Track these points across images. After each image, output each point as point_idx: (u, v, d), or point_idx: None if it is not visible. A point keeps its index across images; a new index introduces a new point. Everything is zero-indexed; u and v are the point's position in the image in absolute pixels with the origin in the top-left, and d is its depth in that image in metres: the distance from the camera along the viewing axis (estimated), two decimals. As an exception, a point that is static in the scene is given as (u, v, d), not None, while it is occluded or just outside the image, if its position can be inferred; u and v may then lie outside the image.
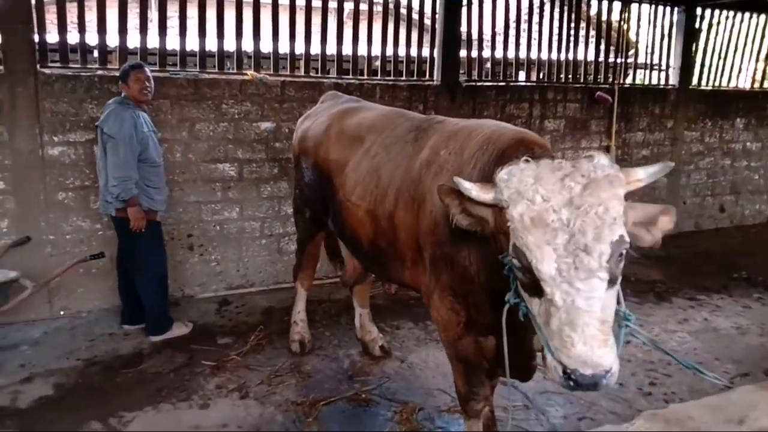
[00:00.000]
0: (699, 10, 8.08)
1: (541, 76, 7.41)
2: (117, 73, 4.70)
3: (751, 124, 8.89)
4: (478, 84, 6.80)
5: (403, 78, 6.51)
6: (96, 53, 5.32)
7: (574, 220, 1.82)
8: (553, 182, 1.90)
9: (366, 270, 4.29)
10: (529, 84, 7.20)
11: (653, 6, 7.87)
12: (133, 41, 5.45)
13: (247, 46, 5.79)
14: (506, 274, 2.14)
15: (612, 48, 7.71)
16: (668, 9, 7.97)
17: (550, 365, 1.91)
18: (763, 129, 9.01)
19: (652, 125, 8.03)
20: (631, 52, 8.14)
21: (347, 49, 6.19)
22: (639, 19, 8.04)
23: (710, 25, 8.34)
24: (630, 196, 2.00)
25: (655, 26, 7.98)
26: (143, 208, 4.40)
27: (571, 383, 1.81)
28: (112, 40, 5.37)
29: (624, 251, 1.87)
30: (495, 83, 6.95)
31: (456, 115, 6.55)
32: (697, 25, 8.15)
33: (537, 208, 1.88)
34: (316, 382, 4.07)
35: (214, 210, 5.66)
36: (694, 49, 8.22)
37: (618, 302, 2.06)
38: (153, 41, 5.49)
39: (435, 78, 6.58)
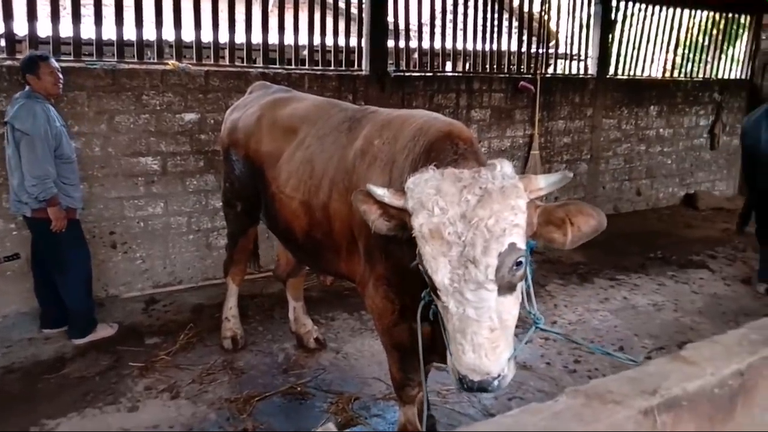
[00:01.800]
0: (614, 2, 8.45)
1: (467, 67, 7.54)
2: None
3: (664, 111, 9.39)
4: (407, 74, 6.85)
5: (332, 68, 6.47)
6: (3, 42, 4.98)
7: (466, 233, 1.89)
8: (452, 194, 1.95)
9: (300, 263, 4.26)
10: (456, 74, 7.32)
11: (572, -2, 8.18)
12: (45, 29, 5.14)
13: (168, 34, 5.58)
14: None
15: (534, 38, 7.94)
16: (586, 1, 8.29)
17: (449, 366, 2.05)
18: (675, 116, 9.55)
19: (572, 113, 8.35)
20: (552, 42, 8.41)
21: (273, 38, 6.07)
22: (558, 11, 8.32)
23: (625, 17, 8.73)
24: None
25: (573, 17, 8.29)
26: (62, 207, 4.18)
27: (464, 386, 1.97)
28: (21, 28, 5.04)
29: (522, 258, 1.95)
30: (423, 74, 7.01)
31: (385, 105, 6.56)
32: (613, 17, 8.52)
33: (435, 220, 1.94)
34: (249, 378, 4.02)
35: (137, 206, 5.45)
36: (610, 39, 8.59)
37: (530, 302, 2.18)
38: (66, 29, 5.20)
39: (364, 68, 6.57)
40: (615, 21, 8.58)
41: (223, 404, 3.69)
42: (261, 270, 5.13)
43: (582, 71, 8.60)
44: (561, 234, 2.08)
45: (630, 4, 8.68)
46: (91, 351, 4.33)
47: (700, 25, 10.05)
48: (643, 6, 8.86)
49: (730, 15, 10.07)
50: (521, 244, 1.96)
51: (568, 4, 8.23)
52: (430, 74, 7.05)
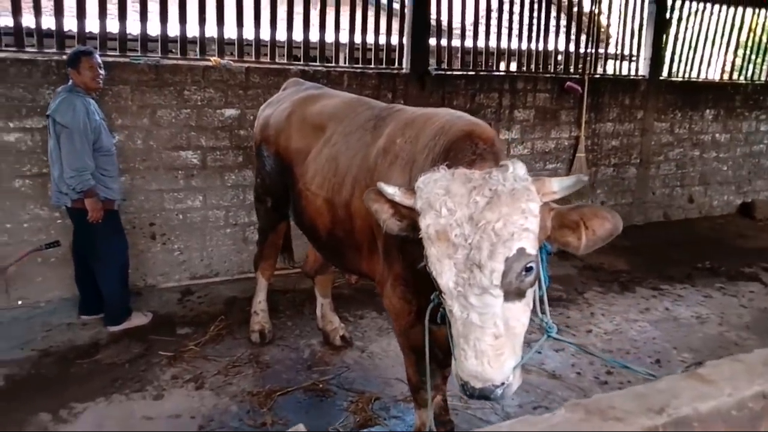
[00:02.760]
0: (670, 1, 8.12)
1: (511, 66, 7.38)
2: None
3: (720, 115, 8.97)
4: (448, 73, 6.77)
5: (372, 66, 6.45)
6: (54, 38, 5.18)
7: (473, 236, 1.83)
8: (461, 195, 1.89)
9: (326, 260, 4.26)
10: (499, 74, 7.18)
11: (624, -4, 7.90)
12: (91, 26, 5.31)
13: (211, 31, 5.68)
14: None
15: (583, 38, 7.71)
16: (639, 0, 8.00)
17: (453, 371, 2.00)
18: (732, 120, 9.11)
19: (621, 116, 8.07)
20: (602, 42, 8.16)
21: (314, 36, 6.10)
22: (610, 9, 8.06)
23: (680, 17, 8.38)
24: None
25: (626, 16, 8.00)
26: (100, 198, 4.31)
27: (466, 393, 1.93)
28: (70, 24, 5.23)
29: (532, 263, 1.88)
30: (465, 72, 6.91)
31: (425, 104, 6.54)
32: (668, 16, 8.18)
33: (442, 221, 1.88)
34: (274, 373, 4.04)
35: (177, 198, 5.57)
36: (664, 40, 8.26)
37: (542, 311, 2.10)
38: (112, 26, 5.36)
39: (404, 66, 6.53)
40: (670, 21, 8.24)
41: (245, 397, 3.72)
42: (294, 265, 5.16)
43: (633, 72, 8.28)
44: (575, 238, 2.00)
45: (687, 3, 8.32)
46: (123, 338, 4.45)
47: (763, 26, 9.57)
48: (701, 5, 8.47)
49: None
50: (531, 249, 1.89)
51: (621, 2, 7.94)
52: (472, 73, 6.94)
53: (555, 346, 4.50)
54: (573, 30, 7.64)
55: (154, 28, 5.51)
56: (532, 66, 7.41)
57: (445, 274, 1.89)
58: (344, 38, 6.27)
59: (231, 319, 4.80)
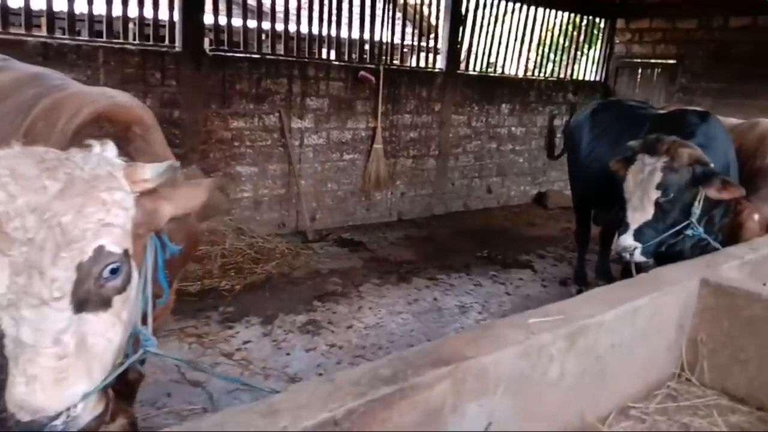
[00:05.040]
0: (465, -4, 8.32)
1: (301, 51, 7.09)
2: None
3: (516, 109, 9.42)
4: (228, 54, 6.32)
5: (135, 41, 5.82)
6: None
7: (37, 232, 1.45)
8: (29, 178, 1.49)
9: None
10: (288, 59, 6.85)
11: (421, -12, 7.95)
12: None
13: None
14: None
15: (378, 28, 7.62)
16: (436, -8, 8.10)
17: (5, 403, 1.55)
18: (527, 114, 9.61)
19: (419, 108, 8.13)
20: (398, 33, 8.15)
21: (61, 4, 5.34)
22: (405, 2, 8.07)
23: (476, 11, 8.60)
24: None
25: (422, 9, 8.06)
26: None
27: (15, 427, 1.48)
28: None
29: (118, 265, 1.56)
30: (248, 55, 6.51)
31: (203, 87, 6.07)
32: (463, 10, 8.37)
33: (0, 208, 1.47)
34: None
35: None
36: (461, 33, 8.45)
37: (144, 323, 1.78)
38: None
39: (176, 44, 5.98)
40: (466, 14, 8.44)
41: None
42: None
43: (431, 65, 8.39)
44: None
45: (481, -2, 8.59)
46: None
47: (561, 26, 10.21)
48: (496, 1, 8.78)
49: (589, 18, 10.30)
50: (115, 247, 1.54)
51: (417, -6, 8.00)
52: (257, 56, 6.56)
53: (307, 346, 4.30)
54: (368, 19, 7.52)
55: None
56: (324, 52, 7.18)
57: None
58: (101, 9, 5.56)
59: None
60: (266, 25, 6.63)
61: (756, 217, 4.11)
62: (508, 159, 9.52)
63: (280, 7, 6.78)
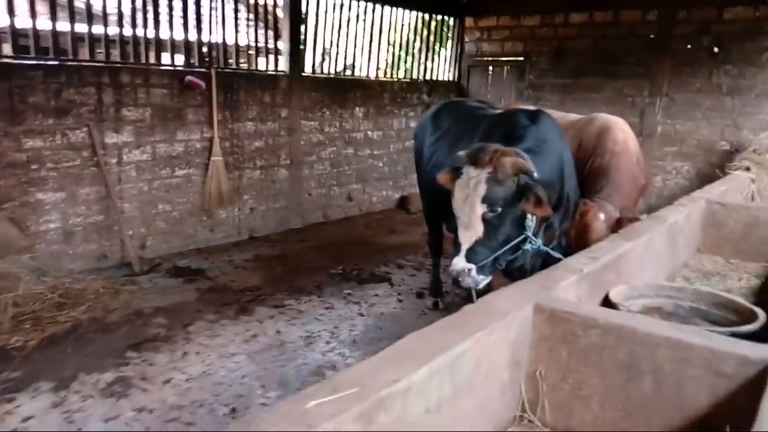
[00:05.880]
0: (304, -7, 7.77)
1: (111, 56, 6.16)
2: None
3: (371, 113, 9.02)
4: (16, 62, 5.29)
5: None
6: None
7: None
8: None
9: None
10: (94, 64, 5.88)
11: (254, -16, 7.29)
12: None
13: None
14: None
15: (206, 27, 6.84)
16: (272, -11, 7.47)
17: None
18: (383, 118, 9.24)
19: (263, 114, 7.45)
20: (240, 33, 7.46)
21: None
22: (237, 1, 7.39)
23: (318, 9, 8.08)
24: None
25: (257, 7, 7.40)
26: None
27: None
28: None
29: None
30: (42, 62, 5.50)
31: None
32: (303, 9, 7.81)
33: None
34: None
35: None
36: (303, 33, 7.88)
37: None
38: None
39: (-60, 51, 4.89)
40: (306, 14, 7.88)
41: None
42: None
43: (273, 68, 7.74)
44: None
45: (321, -4, 8.07)
46: None
47: (411, 26, 9.96)
48: (338, 1, 8.31)
49: (438, 17, 10.14)
50: None
51: (251, -10, 7.32)
52: (55, 63, 5.56)
53: (107, 415, 3.51)
54: (196, 18, 6.73)
55: None
56: (141, 56, 6.31)
57: None
58: None
59: None
60: (64, 26, 5.65)
61: (602, 216, 3.90)
62: (366, 164, 9.10)
63: (81, 5, 5.83)
